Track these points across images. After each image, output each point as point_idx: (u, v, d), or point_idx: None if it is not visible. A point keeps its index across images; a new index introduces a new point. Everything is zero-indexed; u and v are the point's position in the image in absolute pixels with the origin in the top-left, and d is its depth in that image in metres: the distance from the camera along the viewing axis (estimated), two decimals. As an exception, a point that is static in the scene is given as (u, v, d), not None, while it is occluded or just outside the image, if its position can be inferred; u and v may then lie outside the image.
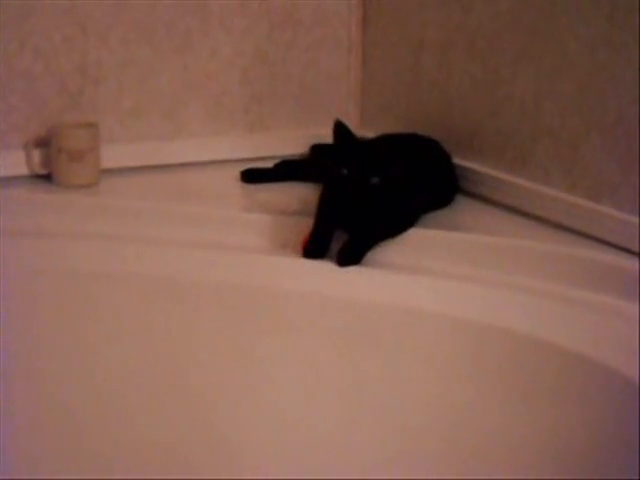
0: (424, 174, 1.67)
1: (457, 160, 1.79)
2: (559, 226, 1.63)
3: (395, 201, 1.57)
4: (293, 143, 2.02)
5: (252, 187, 1.89)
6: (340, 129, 1.64)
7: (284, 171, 1.92)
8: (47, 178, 1.83)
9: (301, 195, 1.82)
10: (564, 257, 1.53)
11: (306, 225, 1.63)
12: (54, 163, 1.82)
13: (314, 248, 1.60)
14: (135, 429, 1.63)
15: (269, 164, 1.93)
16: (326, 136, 2.00)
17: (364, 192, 1.55)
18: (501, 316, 1.47)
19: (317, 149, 2.00)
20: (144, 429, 1.62)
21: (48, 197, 1.78)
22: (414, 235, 1.61)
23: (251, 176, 1.90)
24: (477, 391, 1.49)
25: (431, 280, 1.55)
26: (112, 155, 1.87)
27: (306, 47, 2.04)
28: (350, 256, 1.57)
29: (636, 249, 1.50)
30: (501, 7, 1.72)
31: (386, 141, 1.78)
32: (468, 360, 1.50)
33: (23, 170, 1.84)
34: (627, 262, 1.49)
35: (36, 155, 1.84)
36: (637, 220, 1.51)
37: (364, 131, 2.03)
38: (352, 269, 1.56)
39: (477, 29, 1.78)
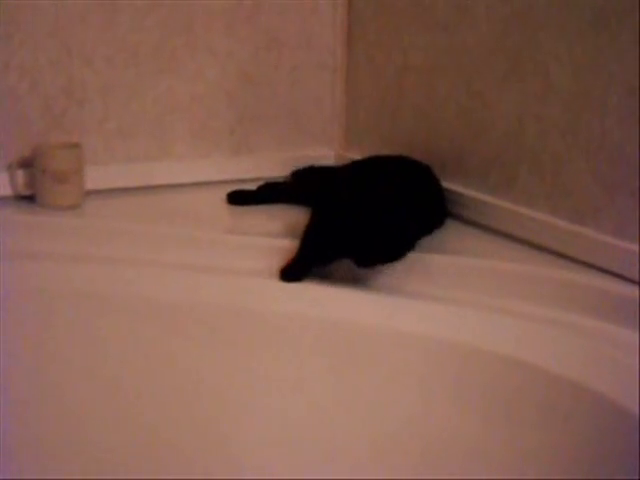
0: (415, 202, 1.66)
1: (442, 183, 1.79)
2: (543, 248, 1.63)
3: (387, 225, 1.56)
4: (278, 165, 2.02)
5: (237, 209, 1.89)
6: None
7: (270, 193, 1.92)
8: (31, 199, 1.83)
9: (286, 217, 1.83)
10: (547, 279, 1.54)
11: (291, 248, 1.63)
12: (38, 184, 1.81)
13: (292, 271, 1.60)
14: (135, 440, 1.63)
15: (254, 186, 1.93)
16: (311, 158, 2.04)
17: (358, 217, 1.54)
18: (485, 339, 1.47)
19: (299, 175, 2.00)
20: (143, 441, 1.63)
21: (32, 218, 1.77)
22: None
23: (238, 198, 1.90)
24: (460, 413, 1.49)
25: (416, 302, 1.54)
26: (96, 176, 1.87)
27: (291, 69, 2.05)
28: (294, 272, 1.59)
29: (620, 272, 1.51)
30: (484, 31, 1.73)
31: (375, 165, 1.78)
32: (452, 382, 1.50)
33: (7, 191, 1.84)
34: (610, 285, 1.49)
35: (20, 176, 1.84)
36: (621, 243, 1.51)
37: (348, 153, 2.05)
38: (339, 291, 1.57)
39: (461, 53, 1.79)
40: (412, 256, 1.59)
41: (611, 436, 1.34)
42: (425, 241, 1.66)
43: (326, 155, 2.09)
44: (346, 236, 1.53)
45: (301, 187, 1.94)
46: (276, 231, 1.77)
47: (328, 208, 1.58)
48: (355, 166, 1.86)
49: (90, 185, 1.86)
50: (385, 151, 1.90)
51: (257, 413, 1.59)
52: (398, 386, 1.53)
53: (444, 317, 1.52)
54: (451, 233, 1.72)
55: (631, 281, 1.49)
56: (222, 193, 1.91)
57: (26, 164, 1.83)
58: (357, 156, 1.95)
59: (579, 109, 1.57)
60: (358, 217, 1.52)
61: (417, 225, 1.63)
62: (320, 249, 1.59)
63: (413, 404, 1.53)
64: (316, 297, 1.57)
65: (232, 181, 1.97)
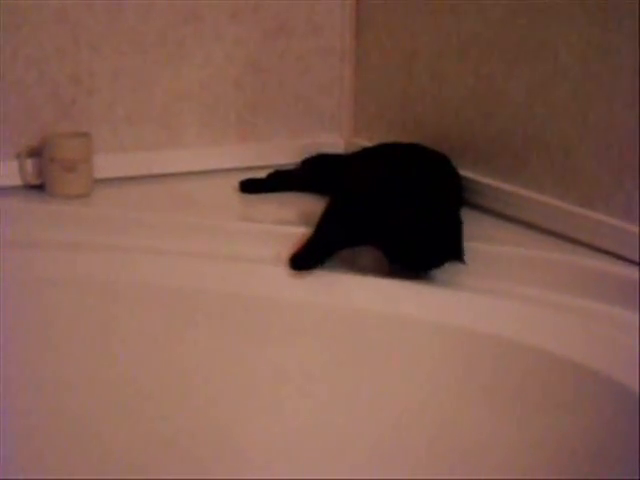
0: (432, 191, 1.64)
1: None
2: (552, 233, 1.63)
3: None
4: (287, 152, 2.02)
5: (246, 196, 1.89)
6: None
7: (281, 181, 1.91)
8: (40, 188, 1.83)
9: (297, 205, 1.83)
10: (557, 264, 1.54)
11: (303, 235, 1.62)
12: (47, 173, 1.82)
13: (303, 259, 1.59)
14: (140, 432, 1.63)
15: (263, 173, 1.92)
16: (320, 145, 2.03)
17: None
18: (493, 323, 1.47)
19: (309, 162, 1.99)
20: (148, 432, 1.63)
21: (41, 207, 1.77)
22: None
23: (250, 186, 1.90)
24: (466, 397, 1.49)
25: (422, 287, 1.55)
26: (105, 165, 1.87)
27: (299, 56, 2.04)
28: (304, 260, 1.57)
29: (629, 256, 1.50)
30: (493, 15, 1.72)
31: (388, 153, 1.77)
32: (458, 367, 1.50)
33: (16, 180, 1.84)
34: (620, 269, 1.49)
35: (29, 165, 1.84)
36: (630, 227, 1.51)
37: (357, 140, 2.05)
38: (346, 278, 1.56)
39: (469, 37, 1.78)
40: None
41: (616, 417, 1.34)
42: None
43: (335, 142, 2.08)
44: (366, 223, 1.53)
45: (312, 175, 1.93)
46: (287, 219, 1.77)
47: (345, 196, 1.58)
48: (367, 154, 1.86)
49: (99, 174, 1.86)
50: (394, 137, 1.90)
51: (265, 402, 1.60)
52: (405, 372, 1.53)
53: (449, 303, 1.52)
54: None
55: (640, 265, 1.49)
56: (231, 181, 1.91)
57: (35, 153, 1.83)
58: (366, 142, 1.95)
59: (588, 92, 1.56)
60: (379, 203, 1.52)
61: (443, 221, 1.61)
62: (335, 236, 1.59)
63: (420, 390, 1.53)
64: (326, 285, 1.57)
65: (241, 169, 1.97)
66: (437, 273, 1.56)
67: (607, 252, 1.54)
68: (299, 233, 1.64)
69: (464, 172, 1.77)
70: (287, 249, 1.61)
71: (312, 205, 1.79)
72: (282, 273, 1.59)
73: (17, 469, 1.61)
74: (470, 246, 1.60)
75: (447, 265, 1.56)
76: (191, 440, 1.62)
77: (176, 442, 1.63)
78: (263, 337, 1.59)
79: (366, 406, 1.56)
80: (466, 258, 1.53)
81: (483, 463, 1.47)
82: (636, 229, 1.50)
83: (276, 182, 1.91)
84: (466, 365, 1.49)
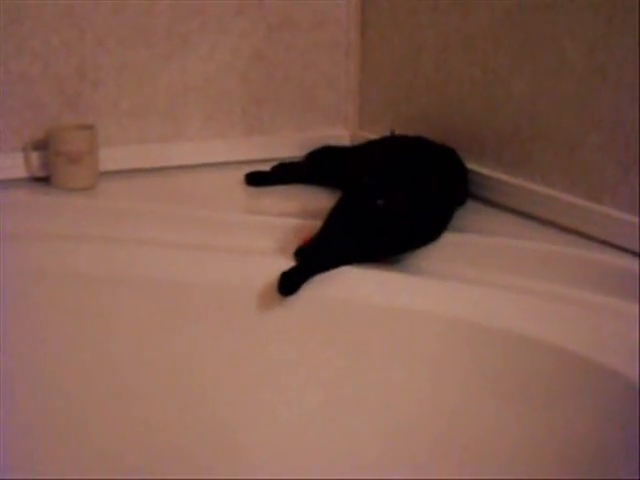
0: (432, 197, 1.63)
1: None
2: (558, 226, 1.63)
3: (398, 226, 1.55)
4: (292, 145, 2.02)
5: (251, 189, 1.89)
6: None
7: (286, 174, 1.91)
8: (45, 181, 1.83)
9: (302, 198, 1.83)
10: (563, 257, 1.53)
11: (307, 227, 1.62)
12: (52, 166, 1.82)
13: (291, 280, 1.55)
14: (138, 429, 1.63)
15: (268, 166, 1.93)
16: (326, 137, 2.03)
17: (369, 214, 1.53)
18: (497, 316, 1.47)
19: (314, 155, 1.99)
20: (147, 429, 1.63)
21: (46, 200, 1.77)
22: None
23: (256, 179, 1.90)
24: (473, 391, 1.49)
25: (427, 281, 1.54)
26: (110, 158, 1.87)
27: (304, 49, 2.04)
28: (290, 284, 1.54)
29: (636, 249, 1.50)
30: (498, 9, 1.72)
31: (394, 148, 1.77)
32: (463, 360, 1.50)
33: (21, 173, 1.84)
34: (626, 262, 1.49)
35: (34, 158, 1.84)
36: (637, 220, 1.50)
37: (363, 132, 2.04)
38: (350, 271, 1.56)
39: (475, 31, 1.78)
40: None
41: (621, 410, 1.34)
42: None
43: (341, 135, 2.08)
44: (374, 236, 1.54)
45: (317, 167, 1.93)
46: (292, 211, 1.77)
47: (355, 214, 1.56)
48: (371, 146, 1.86)
49: (104, 166, 1.86)
50: (400, 130, 1.90)
51: (267, 398, 1.60)
52: (411, 366, 1.53)
53: (455, 295, 1.52)
54: (465, 211, 1.71)
55: (647, 258, 1.48)
56: (236, 174, 1.91)
57: (40, 146, 1.84)
58: (372, 135, 1.95)
59: (594, 85, 1.56)
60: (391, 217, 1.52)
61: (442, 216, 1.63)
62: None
63: (426, 384, 1.53)
64: (330, 277, 1.56)
65: (246, 162, 1.97)
66: (443, 266, 1.56)
67: (612, 245, 1.53)
68: (304, 225, 1.64)
69: (470, 165, 1.77)
70: (293, 241, 1.61)
71: (317, 198, 1.80)
72: (287, 266, 1.59)
73: (12, 467, 1.60)
74: (475, 238, 1.61)
75: (454, 258, 1.56)
76: (190, 437, 1.62)
77: (174, 439, 1.62)
78: (267, 331, 1.59)
79: (370, 401, 1.56)
80: (451, 250, 1.56)
81: (489, 457, 1.47)
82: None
83: (281, 175, 1.91)
84: (472, 358, 1.49)
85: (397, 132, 1.81)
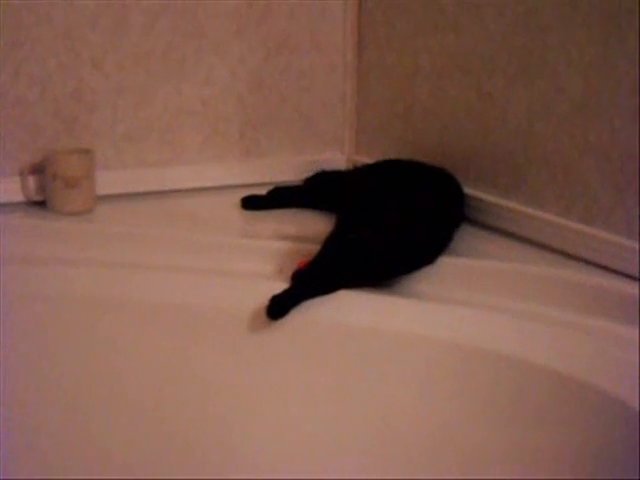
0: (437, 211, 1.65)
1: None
2: (554, 250, 1.63)
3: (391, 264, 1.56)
4: (289, 169, 2.02)
5: (248, 213, 1.89)
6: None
7: (282, 198, 1.92)
8: (42, 205, 1.84)
9: (299, 221, 1.84)
10: (558, 280, 1.53)
11: (302, 251, 1.63)
12: (49, 190, 1.82)
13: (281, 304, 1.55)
14: (137, 446, 1.63)
15: (264, 190, 1.93)
16: (322, 162, 2.03)
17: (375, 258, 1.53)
18: (491, 339, 1.47)
19: (310, 179, 1.99)
20: (146, 447, 1.63)
21: (43, 223, 1.77)
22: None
23: (252, 203, 1.90)
24: (463, 413, 1.49)
25: (420, 303, 1.55)
26: (107, 182, 1.88)
27: (301, 73, 2.04)
28: (279, 308, 1.54)
29: (631, 272, 1.50)
30: (494, 32, 1.73)
31: (389, 177, 1.77)
32: (455, 382, 1.50)
33: (18, 197, 1.84)
34: (622, 285, 1.49)
35: (31, 181, 1.84)
36: (631, 243, 1.51)
37: (359, 157, 2.05)
38: (345, 294, 1.56)
39: (470, 54, 1.79)
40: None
41: (614, 433, 1.34)
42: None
43: (337, 159, 2.09)
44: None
45: (312, 191, 1.93)
46: (288, 235, 1.77)
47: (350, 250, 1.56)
48: (367, 170, 1.86)
49: (101, 190, 1.86)
50: (396, 154, 1.90)
51: (264, 417, 1.60)
52: (401, 387, 1.53)
53: (448, 318, 1.52)
54: (461, 234, 1.71)
55: (642, 281, 1.48)
56: (233, 197, 1.91)
57: (37, 170, 1.84)
58: (368, 160, 1.95)
59: (588, 109, 1.56)
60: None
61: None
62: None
63: (416, 405, 1.53)
64: (323, 300, 1.56)
65: (243, 185, 1.97)
66: (437, 289, 1.56)
67: (607, 268, 1.54)
68: (300, 249, 1.64)
69: (465, 189, 1.77)
70: (287, 265, 1.61)
71: (312, 222, 1.80)
72: (281, 290, 1.59)
73: (12, 467, 1.61)
74: (470, 262, 1.61)
75: (448, 281, 1.56)
76: (195, 455, 1.62)
77: (175, 454, 1.63)
78: (263, 353, 1.59)
79: (360, 422, 1.56)
80: (445, 273, 1.56)
81: (476, 475, 1.47)
82: (636, 245, 1.50)
83: (277, 199, 1.91)
84: (463, 381, 1.49)
85: (393, 156, 1.82)
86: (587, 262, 1.57)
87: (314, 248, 1.61)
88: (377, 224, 1.53)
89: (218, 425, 1.62)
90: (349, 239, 1.53)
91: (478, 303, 1.53)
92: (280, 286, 1.56)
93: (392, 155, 1.89)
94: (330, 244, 1.59)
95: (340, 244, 1.55)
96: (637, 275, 1.49)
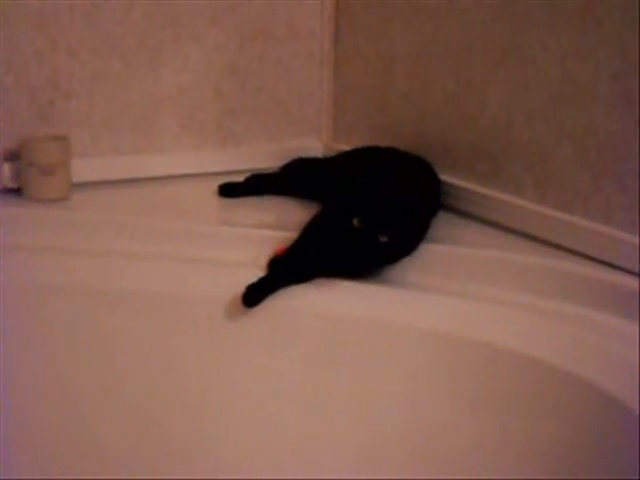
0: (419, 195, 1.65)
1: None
2: (531, 237, 1.63)
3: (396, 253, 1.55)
4: (266, 156, 2.02)
5: (225, 201, 1.88)
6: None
7: (260, 185, 1.91)
8: (17, 192, 1.82)
9: (276, 209, 1.84)
10: (535, 268, 1.54)
11: (280, 239, 1.62)
12: (24, 177, 1.81)
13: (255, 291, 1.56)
14: (133, 434, 1.63)
15: (241, 177, 1.92)
16: (299, 149, 2.03)
17: (373, 249, 1.51)
18: (476, 329, 1.47)
19: (287, 166, 1.98)
20: (141, 434, 1.63)
21: (18, 211, 1.76)
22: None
23: (229, 190, 1.89)
24: (455, 404, 1.49)
25: (405, 293, 1.55)
26: (83, 169, 1.86)
27: (278, 60, 2.04)
28: (254, 296, 1.54)
29: (608, 259, 1.51)
30: (471, 20, 1.73)
31: (370, 158, 1.77)
32: (445, 374, 1.50)
33: (-7, 184, 1.83)
34: (598, 272, 1.49)
35: (6, 169, 1.82)
36: (608, 230, 1.51)
37: (336, 144, 2.05)
38: (330, 283, 1.56)
39: (448, 42, 1.79)
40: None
41: (608, 428, 1.34)
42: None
43: (314, 146, 2.08)
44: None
45: (290, 178, 1.93)
46: (266, 222, 1.77)
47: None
48: (344, 157, 1.86)
49: (77, 178, 1.85)
50: (373, 141, 1.90)
51: (250, 406, 1.60)
52: (391, 378, 1.53)
53: (434, 307, 1.52)
54: (438, 222, 1.71)
55: (620, 268, 1.49)
56: (210, 185, 1.90)
57: (12, 157, 1.82)
58: (346, 147, 1.95)
59: (566, 97, 1.57)
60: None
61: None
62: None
63: (407, 396, 1.53)
64: (307, 289, 1.56)
65: (220, 173, 1.96)
66: (418, 277, 1.56)
67: (585, 255, 1.54)
68: (278, 237, 1.64)
69: (443, 176, 1.77)
70: (267, 252, 1.61)
71: (290, 209, 1.80)
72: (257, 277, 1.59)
73: (13, 468, 1.60)
74: (450, 250, 1.61)
75: (429, 269, 1.56)
76: (182, 443, 1.62)
77: (168, 445, 1.63)
78: (245, 341, 1.59)
79: (350, 413, 1.56)
80: (426, 261, 1.56)
81: (469, 470, 1.47)
82: (614, 233, 1.50)
83: (254, 186, 1.90)
84: (453, 372, 1.49)
85: (370, 143, 1.82)
86: (564, 249, 1.57)
87: (291, 235, 1.61)
88: (376, 213, 1.52)
89: (194, 413, 1.62)
90: (354, 227, 1.51)
91: (457, 291, 1.54)
92: (257, 274, 1.56)
93: (370, 142, 1.89)
94: (310, 231, 1.58)
95: (339, 231, 1.53)
96: (617, 262, 1.50)
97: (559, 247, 1.58)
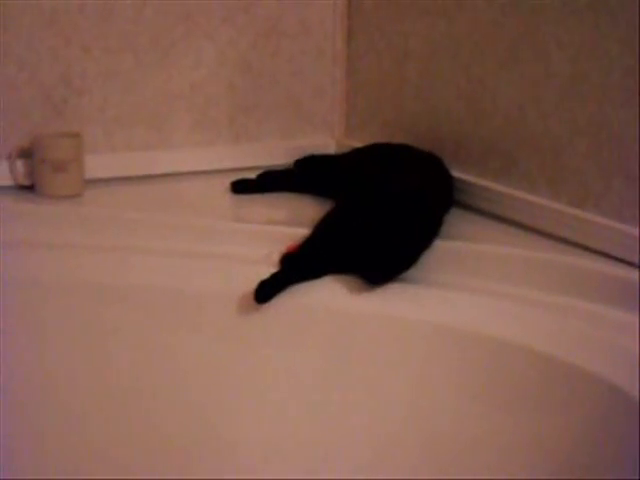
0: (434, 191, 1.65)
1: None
2: (543, 233, 1.63)
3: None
4: (279, 153, 2.02)
5: (237, 197, 1.88)
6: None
7: (273, 182, 1.91)
8: (31, 189, 1.83)
9: (288, 205, 1.83)
10: (547, 264, 1.53)
11: (292, 235, 1.62)
12: (38, 174, 1.81)
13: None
14: (132, 431, 1.63)
15: (253, 174, 1.92)
16: (312, 146, 2.03)
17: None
18: (484, 323, 1.47)
19: (300, 163, 1.98)
20: (141, 432, 1.63)
21: (32, 208, 1.77)
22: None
23: (241, 187, 1.89)
24: (461, 398, 1.49)
25: (414, 288, 1.54)
26: (96, 165, 1.87)
27: (291, 57, 2.04)
28: (265, 292, 1.54)
29: (620, 255, 1.50)
30: (484, 16, 1.73)
31: (382, 155, 1.77)
32: (452, 368, 1.49)
33: (7, 181, 1.83)
34: (610, 268, 1.49)
35: (20, 166, 1.83)
36: (621, 226, 1.51)
37: (349, 141, 2.05)
38: (337, 279, 1.56)
39: (461, 38, 1.78)
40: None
41: (612, 420, 1.34)
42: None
43: (327, 143, 2.09)
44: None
45: (302, 175, 1.93)
46: (278, 219, 1.77)
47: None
48: (357, 154, 1.86)
49: (90, 174, 1.85)
50: (386, 138, 1.90)
51: (258, 403, 1.59)
52: (398, 373, 1.53)
53: (445, 304, 1.52)
54: (451, 218, 1.71)
55: (631, 264, 1.48)
56: (222, 182, 1.90)
57: (26, 154, 1.83)
58: (358, 143, 1.95)
59: (579, 93, 1.56)
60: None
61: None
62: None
63: (413, 391, 1.52)
64: (319, 285, 1.56)
65: (232, 170, 1.96)
66: (429, 273, 1.56)
67: (597, 252, 1.54)
68: (290, 233, 1.64)
69: (455, 173, 1.77)
70: (277, 249, 1.61)
71: (302, 205, 1.80)
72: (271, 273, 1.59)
73: (13, 468, 1.60)
74: (461, 246, 1.60)
75: (440, 265, 1.56)
76: (185, 441, 1.62)
77: (170, 443, 1.63)
78: (257, 338, 1.59)
79: (358, 408, 1.55)
80: (438, 257, 1.55)
81: (477, 464, 1.47)
82: (627, 229, 1.50)
83: (267, 182, 1.91)
84: (461, 366, 1.49)
85: (382, 139, 1.81)
86: (576, 245, 1.57)
87: (303, 232, 1.61)
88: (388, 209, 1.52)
89: (203, 409, 1.62)
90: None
91: (468, 286, 1.53)
92: (269, 270, 1.56)
93: (382, 139, 1.89)
94: (324, 227, 1.58)
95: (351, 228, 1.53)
96: (629, 259, 1.49)
97: (572, 243, 1.58)
